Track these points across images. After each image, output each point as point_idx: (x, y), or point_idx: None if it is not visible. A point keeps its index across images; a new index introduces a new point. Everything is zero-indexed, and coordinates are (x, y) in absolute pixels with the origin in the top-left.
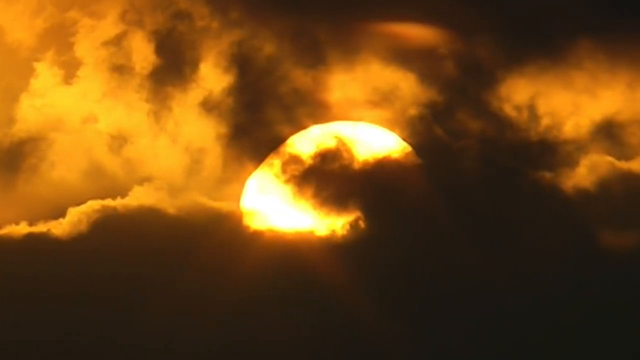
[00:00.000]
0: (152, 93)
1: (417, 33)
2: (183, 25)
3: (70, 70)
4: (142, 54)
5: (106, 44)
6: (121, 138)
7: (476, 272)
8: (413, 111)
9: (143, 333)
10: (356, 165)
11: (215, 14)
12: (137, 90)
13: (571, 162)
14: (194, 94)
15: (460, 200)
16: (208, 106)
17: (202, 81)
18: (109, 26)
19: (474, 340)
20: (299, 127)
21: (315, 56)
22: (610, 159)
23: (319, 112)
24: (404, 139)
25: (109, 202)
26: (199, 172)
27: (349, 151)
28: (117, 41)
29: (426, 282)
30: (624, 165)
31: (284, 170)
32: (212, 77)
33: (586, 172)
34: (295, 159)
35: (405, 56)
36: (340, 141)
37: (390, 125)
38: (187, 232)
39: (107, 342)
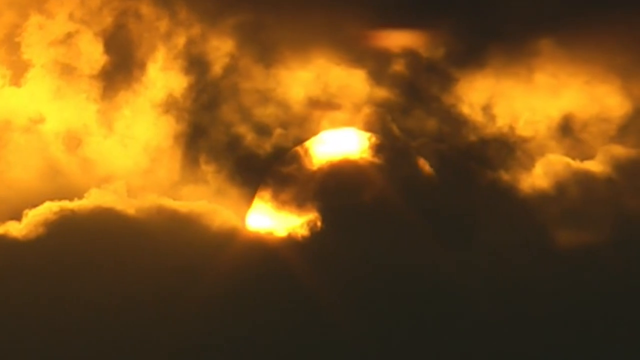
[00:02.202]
0: (103, 93)
1: (377, 34)
2: (133, 24)
3: (18, 70)
4: (92, 54)
5: (54, 43)
6: (76, 139)
7: (433, 269)
8: (370, 111)
9: (100, 334)
10: (314, 167)
11: (165, 13)
12: (88, 90)
13: (528, 163)
14: (147, 94)
15: (417, 200)
16: (165, 106)
17: (153, 82)
18: (59, 26)
19: (432, 335)
20: (255, 125)
21: (270, 56)
22: (566, 159)
23: (278, 112)
24: (362, 139)
25: (66, 203)
26: (156, 173)
27: (307, 153)
28: (65, 40)
29: (383, 280)
30: (579, 165)
31: (245, 172)
32: (164, 77)
33: (542, 172)
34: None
35: (363, 56)
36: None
37: (347, 125)
38: (147, 232)
39: (64, 343)
